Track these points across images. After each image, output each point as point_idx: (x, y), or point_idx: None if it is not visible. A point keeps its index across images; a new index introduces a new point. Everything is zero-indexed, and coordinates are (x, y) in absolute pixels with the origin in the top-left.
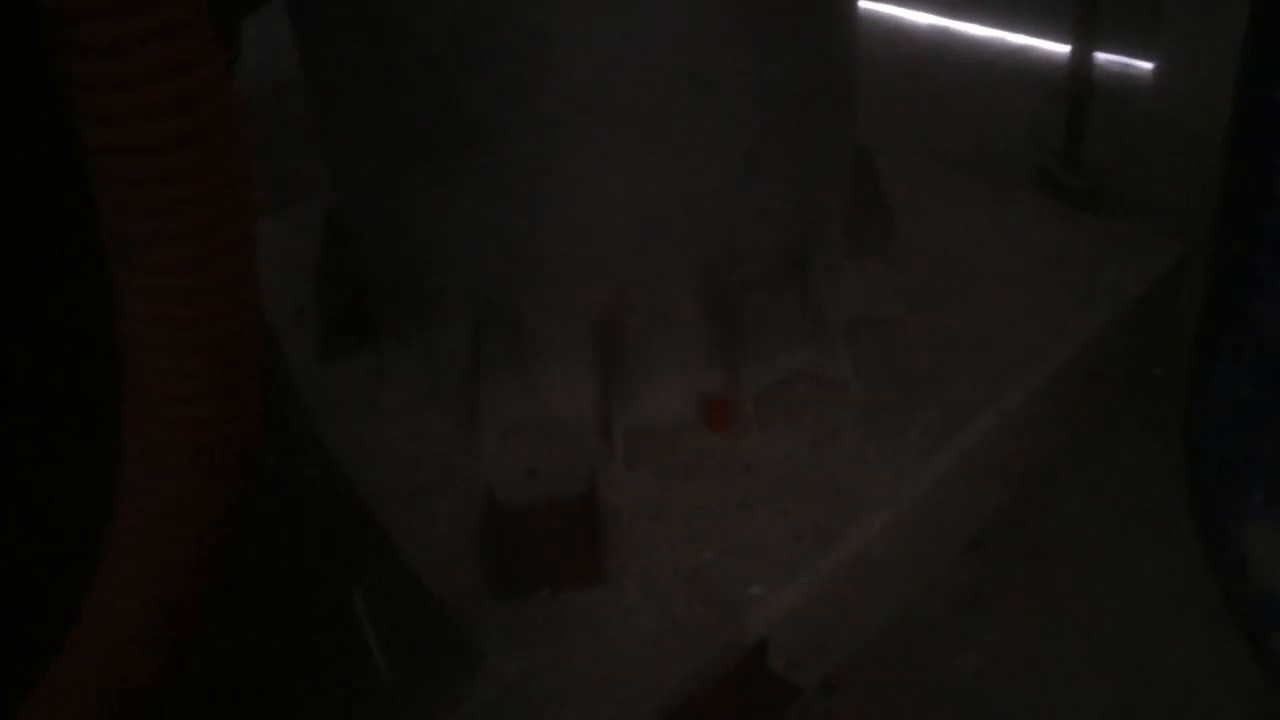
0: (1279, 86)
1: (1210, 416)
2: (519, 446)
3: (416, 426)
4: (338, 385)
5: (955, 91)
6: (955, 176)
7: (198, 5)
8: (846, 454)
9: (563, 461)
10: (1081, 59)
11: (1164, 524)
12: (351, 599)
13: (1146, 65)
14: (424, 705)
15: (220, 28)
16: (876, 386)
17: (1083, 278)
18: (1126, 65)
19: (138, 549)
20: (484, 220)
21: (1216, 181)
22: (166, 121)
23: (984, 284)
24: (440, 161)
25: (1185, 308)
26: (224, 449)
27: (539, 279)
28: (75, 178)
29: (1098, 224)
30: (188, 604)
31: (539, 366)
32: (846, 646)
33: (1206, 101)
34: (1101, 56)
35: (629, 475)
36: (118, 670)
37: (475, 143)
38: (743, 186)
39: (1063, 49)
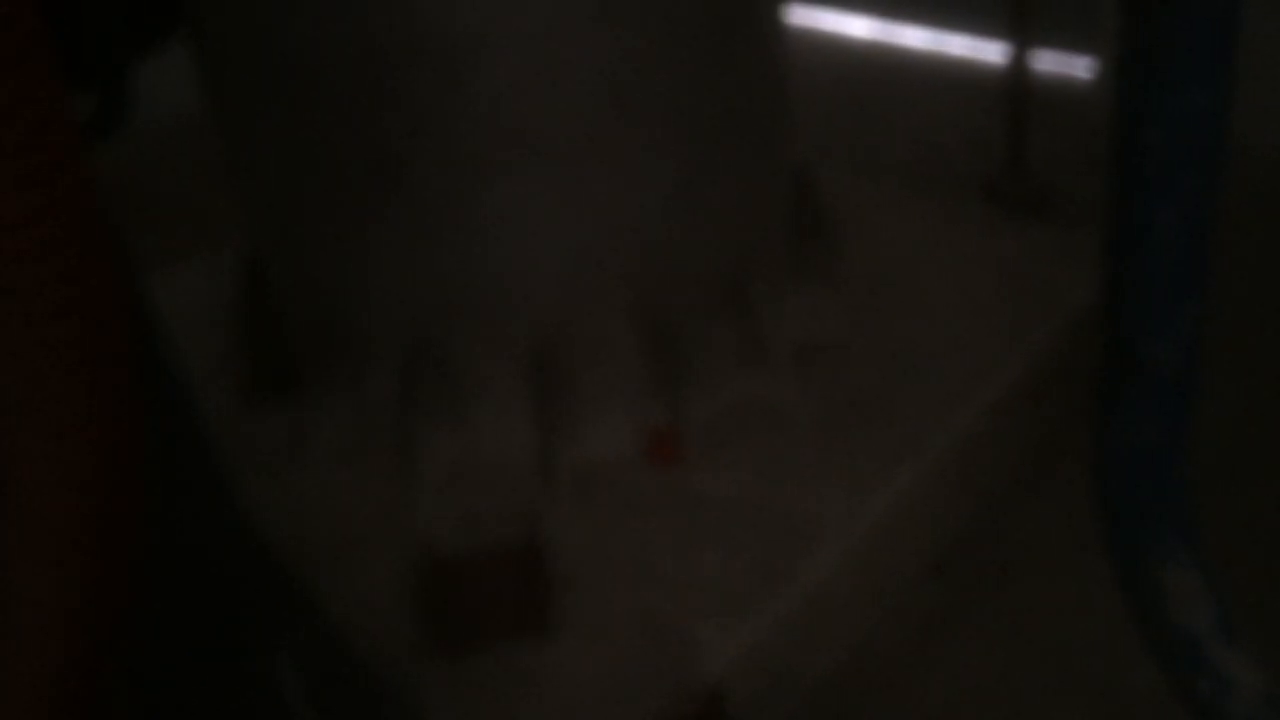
0: (1146, 125)
1: (1116, 462)
2: (457, 493)
3: (347, 477)
4: (263, 436)
5: (895, 105)
6: (899, 191)
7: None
8: (797, 484)
9: (503, 507)
10: (1019, 59)
11: None
12: (275, 666)
13: (1088, 64)
14: None
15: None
16: (825, 412)
17: (1033, 288)
18: (1069, 65)
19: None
20: (408, 259)
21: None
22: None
23: (932, 301)
24: (359, 199)
25: None
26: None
27: (470, 317)
28: None
29: (1046, 232)
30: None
31: (474, 408)
32: (809, 682)
33: None
34: (1045, 57)
35: (573, 516)
36: None
37: (394, 179)
38: (675, 215)
39: (1003, 59)
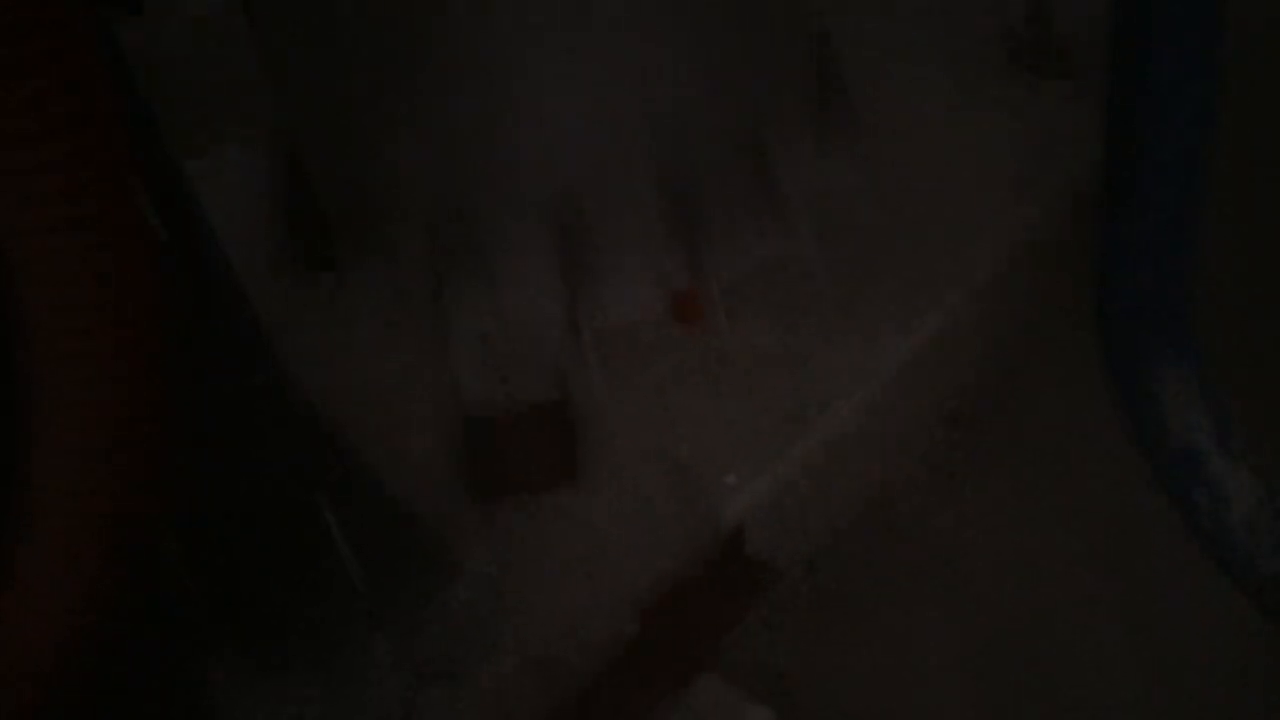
0: None
1: (1116, 268)
2: (488, 354)
3: (382, 341)
4: (302, 304)
5: None
6: (917, 49)
7: None
8: (816, 339)
9: (533, 366)
10: None
11: None
12: (319, 510)
13: None
14: (402, 610)
15: None
16: (844, 269)
17: (1051, 142)
18: None
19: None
20: (434, 128)
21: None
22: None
23: (950, 157)
24: (387, 72)
25: None
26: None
27: (494, 183)
28: None
29: (1068, 88)
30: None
31: (503, 272)
32: (827, 526)
33: None
34: None
35: (600, 374)
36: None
37: (421, 50)
38: (696, 77)
39: None
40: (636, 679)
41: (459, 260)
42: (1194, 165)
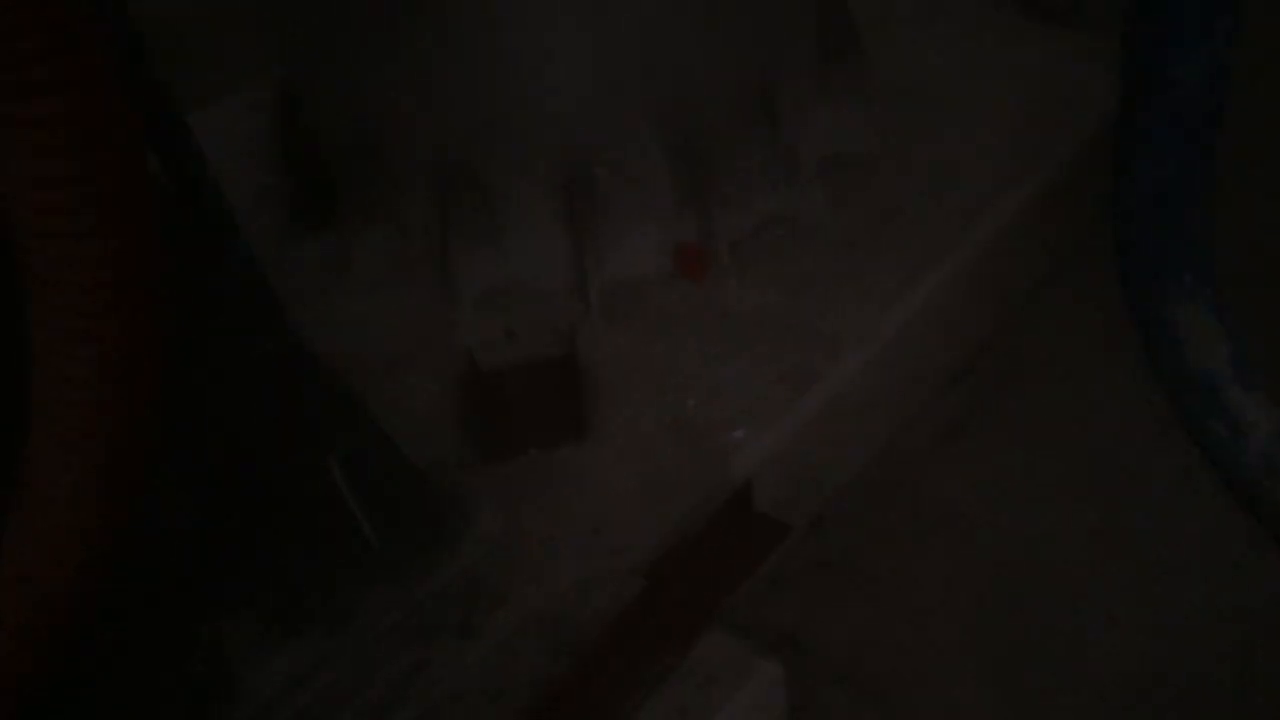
0: None
1: (1135, 200)
2: (495, 311)
3: (388, 299)
4: (307, 263)
5: None
6: (928, 2)
7: None
8: (824, 296)
9: (540, 322)
10: None
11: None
12: (329, 469)
13: None
14: (413, 568)
15: None
16: (851, 225)
17: (1061, 96)
18: None
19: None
20: (438, 83)
21: None
22: None
23: (960, 111)
24: (390, 25)
25: None
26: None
27: (498, 140)
28: None
29: (1079, 38)
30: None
31: (508, 228)
32: (834, 483)
33: None
34: None
35: (608, 331)
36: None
37: (423, 4)
38: (702, 31)
39: None
40: (644, 634)
41: (464, 217)
42: (1217, 96)
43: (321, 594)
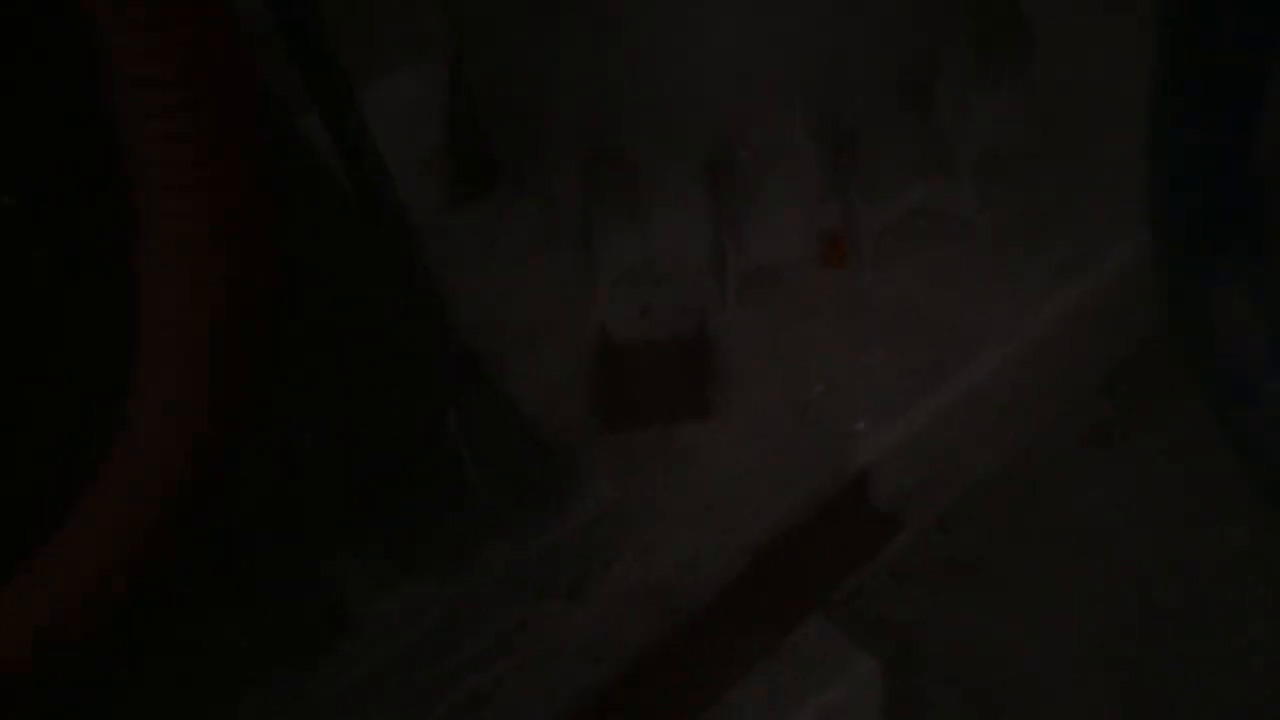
0: None
1: (1168, 173)
2: (632, 287)
3: (534, 269)
4: (463, 231)
5: None
6: None
7: None
8: (966, 291)
9: (675, 301)
10: None
11: None
12: (446, 423)
13: None
14: (524, 526)
15: None
16: (1002, 222)
17: None
18: None
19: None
20: (590, 63)
21: None
22: None
23: (1125, 112)
24: (552, 6)
25: None
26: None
27: (649, 120)
28: None
29: None
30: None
31: (651, 208)
32: (964, 482)
33: None
34: None
35: (742, 313)
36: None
37: None
38: (854, 15)
39: None
40: (746, 615)
41: (611, 195)
42: (1261, 67)
43: (434, 541)
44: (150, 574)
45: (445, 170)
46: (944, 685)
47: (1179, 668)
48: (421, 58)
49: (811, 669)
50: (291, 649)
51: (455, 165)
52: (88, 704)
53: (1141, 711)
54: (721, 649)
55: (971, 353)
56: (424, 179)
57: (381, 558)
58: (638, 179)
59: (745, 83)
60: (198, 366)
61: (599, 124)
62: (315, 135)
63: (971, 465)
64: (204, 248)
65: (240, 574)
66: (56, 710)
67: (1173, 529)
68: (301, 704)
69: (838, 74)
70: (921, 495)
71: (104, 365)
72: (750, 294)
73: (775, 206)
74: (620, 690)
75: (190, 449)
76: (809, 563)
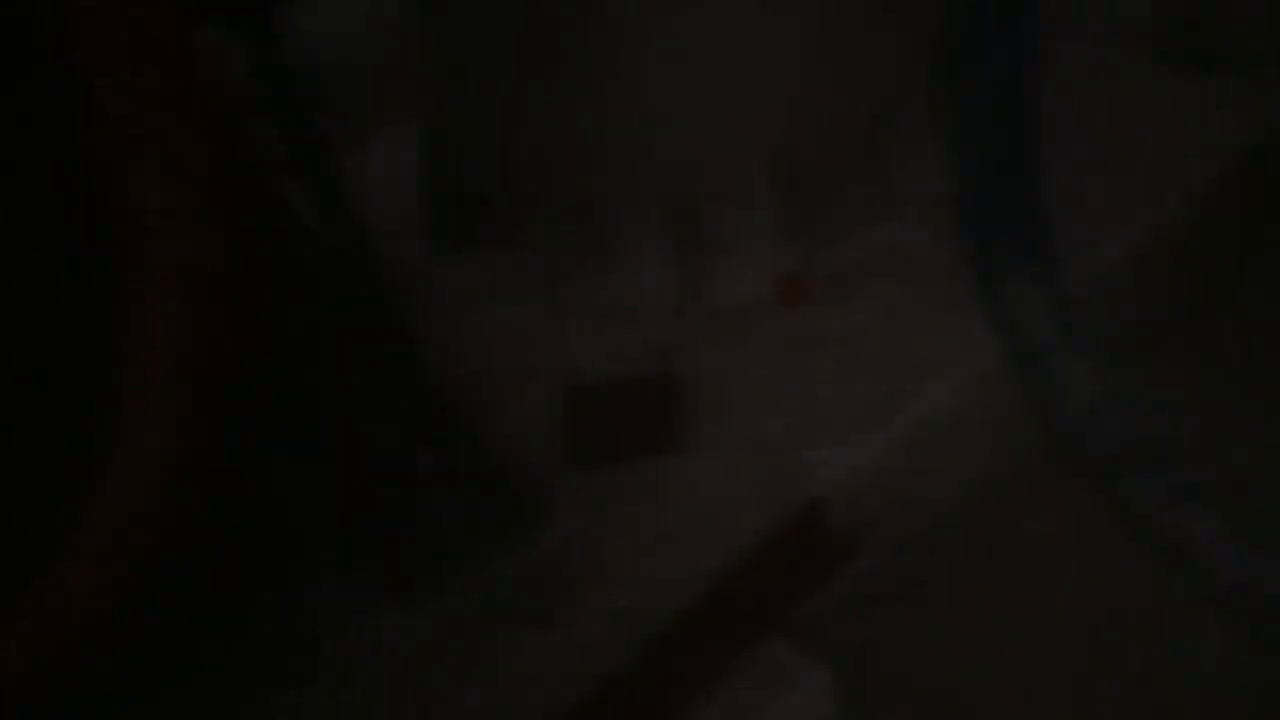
0: None
1: (961, 190)
2: (602, 330)
3: (509, 316)
4: (443, 284)
5: None
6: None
7: None
8: (921, 325)
9: (642, 342)
10: None
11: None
12: (415, 460)
13: None
14: (491, 556)
15: None
16: (956, 261)
17: (1193, 134)
18: None
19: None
20: (559, 121)
21: None
22: None
23: (1086, 151)
24: (517, 62)
25: None
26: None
27: (614, 173)
28: None
29: (1222, 84)
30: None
31: (619, 255)
32: (922, 509)
33: None
34: None
35: (706, 353)
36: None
37: (547, 42)
38: (813, 65)
39: None
40: (707, 637)
41: (581, 244)
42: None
43: (408, 574)
44: (126, 622)
45: (426, 226)
46: (896, 701)
47: (1133, 687)
48: (402, 120)
49: (766, 685)
50: (271, 679)
51: (435, 221)
52: None
53: None
54: (684, 669)
55: (922, 384)
56: (405, 234)
57: (357, 590)
58: (606, 228)
59: (706, 135)
60: (180, 414)
61: (569, 177)
62: (296, 196)
63: (928, 493)
64: (185, 296)
65: (220, 607)
66: None
67: (1124, 551)
68: None
69: (795, 123)
70: (877, 521)
71: (81, 403)
72: (714, 334)
73: (736, 250)
74: (589, 712)
75: (169, 498)
76: (768, 587)
